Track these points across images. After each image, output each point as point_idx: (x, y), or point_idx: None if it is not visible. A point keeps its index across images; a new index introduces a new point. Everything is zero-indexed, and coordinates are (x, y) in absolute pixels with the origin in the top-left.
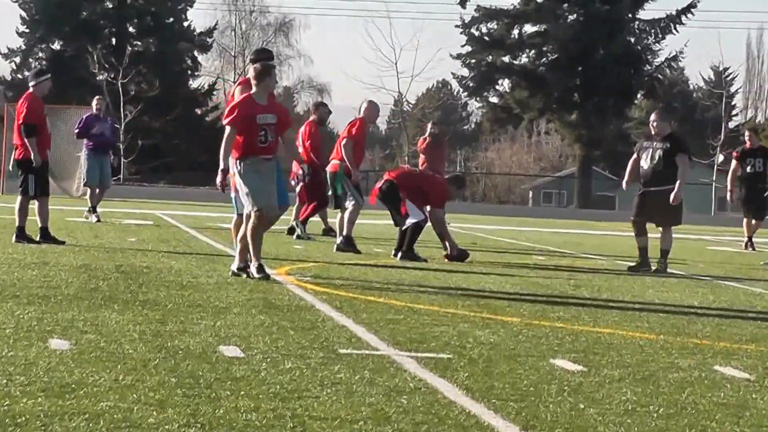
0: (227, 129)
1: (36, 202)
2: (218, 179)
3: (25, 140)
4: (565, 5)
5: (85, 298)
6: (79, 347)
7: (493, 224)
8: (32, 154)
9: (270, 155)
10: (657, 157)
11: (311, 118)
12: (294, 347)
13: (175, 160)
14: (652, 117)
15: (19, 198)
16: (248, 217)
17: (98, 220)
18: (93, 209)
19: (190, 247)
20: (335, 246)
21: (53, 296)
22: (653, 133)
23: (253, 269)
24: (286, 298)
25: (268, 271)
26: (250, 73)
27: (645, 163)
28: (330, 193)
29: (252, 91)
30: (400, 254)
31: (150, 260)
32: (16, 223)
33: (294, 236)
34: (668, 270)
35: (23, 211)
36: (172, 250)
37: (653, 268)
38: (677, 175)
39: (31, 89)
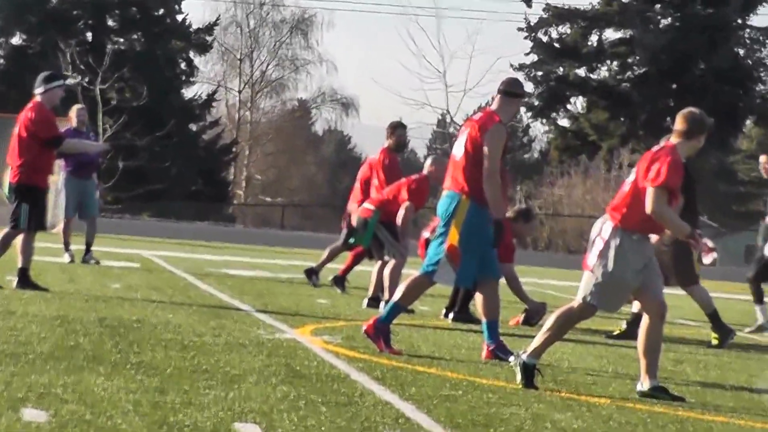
0: (656, 192)
1: (21, 236)
2: (705, 246)
3: (64, 149)
4: (657, 6)
5: (62, 358)
6: (59, 420)
7: (563, 279)
8: (90, 148)
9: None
10: None
11: (386, 143)
12: (327, 427)
13: (165, 187)
14: None
15: (6, 229)
16: (582, 305)
17: (72, 260)
18: (66, 246)
19: (189, 298)
20: (365, 301)
21: (23, 354)
22: None
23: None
24: (314, 365)
25: None
26: (682, 123)
27: None
28: (352, 240)
29: (677, 143)
30: (452, 315)
31: (140, 312)
32: None
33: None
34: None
35: (3, 243)
36: (167, 301)
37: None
38: None
39: (38, 98)
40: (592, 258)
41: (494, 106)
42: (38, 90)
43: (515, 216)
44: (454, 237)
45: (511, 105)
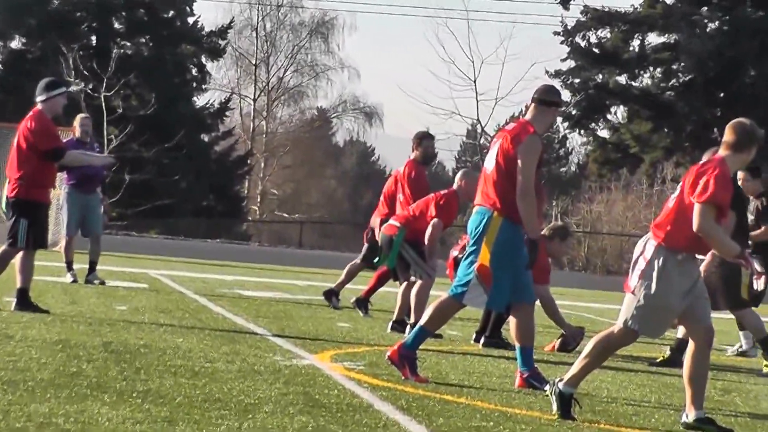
0: (703, 208)
1: (20, 254)
2: (755, 271)
3: (66, 162)
4: (704, 9)
5: (64, 386)
6: None
7: (602, 302)
8: (93, 160)
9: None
10: None
11: (412, 155)
12: None
13: (174, 203)
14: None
15: (3, 247)
16: (622, 330)
17: (74, 280)
18: (68, 266)
19: (201, 321)
20: (390, 324)
21: (22, 382)
22: None
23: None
24: (334, 394)
25: None
26: (731, 135)
27: None
28: (377, 260)
29: (726, 155)
30: (483, 340)
31: (148, 336)
32: None
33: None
34: None
35: (1, 262)
36: (176, 324)
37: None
38: None
39: (39, 105)
40: (633, 279)
41: (528, 116)
42: (39, 98)
43: (551, 234)
44: (485, 256)
45: (547, 114)
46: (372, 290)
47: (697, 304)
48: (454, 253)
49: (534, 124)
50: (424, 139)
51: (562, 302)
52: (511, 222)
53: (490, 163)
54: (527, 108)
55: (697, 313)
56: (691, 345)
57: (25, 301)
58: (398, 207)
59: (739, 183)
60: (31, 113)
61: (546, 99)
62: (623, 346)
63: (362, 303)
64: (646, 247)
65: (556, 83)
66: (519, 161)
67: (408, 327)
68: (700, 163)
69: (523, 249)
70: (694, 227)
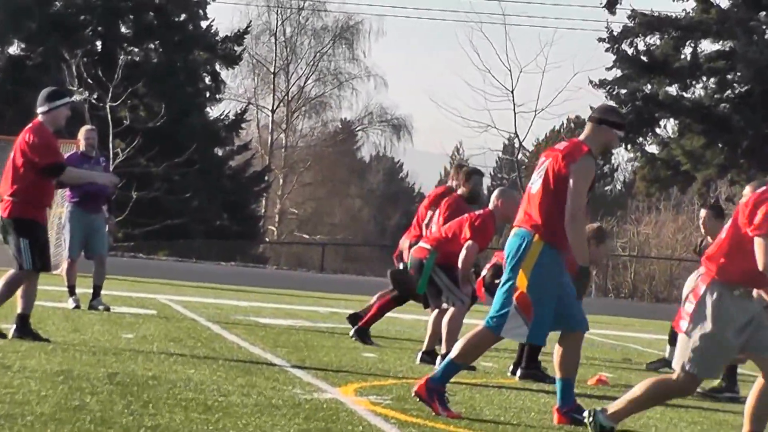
0: (763, 242)
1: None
2: None
3: (64, 179)
4: (762, 14)
5: (66, 421)
6: None
7: (650, 332)
8: (95, 179)
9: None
10: None
11: (458, 190)
12: None
13: (185, 222)
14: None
15: (12, 271)
16: (682, 377)
17: (77, 306)
18: (71, 290)
19: (214, 351)
20: (419, 355)
21: (20, 416)
22: None
23: None
24: (359, 430)
25: None
26: None
27: None
28: None
29: None
30: (519, 372)
31: (157, 367)
32: None
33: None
34: None
35: (9, 288)
36: (187, 354)
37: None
38: None
39: (40, 117)
40: (686, 319)
41: (582, 136)
42: (40, 109)
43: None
44: (523, 283)
45: (605, 135)
46: (372, 320)
47: (759, 333)
48: (483, 272)
49: (588, 144)
50: (473, 175)
51: (607, 332)
52: (553, 247)
53: (536, 183)
54: (569, 120)
55: (761, 342)
56: (759, 381)
57: (25, 328)
58: (433, 227)
59: (701, 222)
60: (30, 125)
61: (603, 118)
62: (683, 395)
63: (363, 333)
64: (698, 282)
65: (601, 94)
66: (571, 182)
67: (439, 358)
68: (759, 191)
69: (563, 276)
70: (760, 266)
